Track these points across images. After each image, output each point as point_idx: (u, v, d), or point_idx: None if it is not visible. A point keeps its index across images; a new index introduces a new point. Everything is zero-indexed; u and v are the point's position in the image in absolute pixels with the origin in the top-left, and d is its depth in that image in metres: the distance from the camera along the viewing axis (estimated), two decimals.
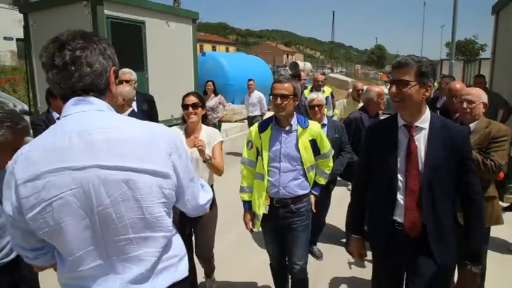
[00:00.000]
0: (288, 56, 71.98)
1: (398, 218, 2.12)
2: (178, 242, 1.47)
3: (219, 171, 3.08)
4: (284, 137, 2.79)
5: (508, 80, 6.97)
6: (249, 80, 9.22)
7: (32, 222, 1.25)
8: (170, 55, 9.44)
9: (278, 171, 2.80)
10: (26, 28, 9.06)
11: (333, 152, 3.07)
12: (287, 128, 2.80)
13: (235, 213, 5.15)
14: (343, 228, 5.04)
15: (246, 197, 3.02)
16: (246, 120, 9.23)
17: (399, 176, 2.10)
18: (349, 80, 32.32)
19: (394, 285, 2.30)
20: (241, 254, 4.39)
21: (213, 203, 2.98)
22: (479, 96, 2.95)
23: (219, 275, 3.71)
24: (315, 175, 3.01)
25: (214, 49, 49.71)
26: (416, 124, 2.08)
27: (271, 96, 2.78)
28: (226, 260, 4.11)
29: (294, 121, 2.81)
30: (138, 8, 8.49)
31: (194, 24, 10.52)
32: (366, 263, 4.19)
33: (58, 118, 3.78)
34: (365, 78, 47.02)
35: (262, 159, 2.84)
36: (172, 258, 1.42)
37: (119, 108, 3.60)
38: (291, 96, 2.72)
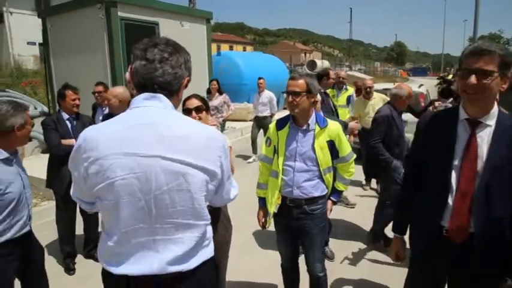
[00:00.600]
0: (305, 55, 71.61)
1: (445, 221, 1.92)
2: (209, 227, 1.61)
3: None
4: (300, 136, 2.72)
5: None
6: (259, 78, 8.88)
7: (94, 193, 1.44)
8: None
9: (292, 171, 2.73)
10: (45, 32, 9.24)
11: (354, 156, 2.90)
12: (304, 127, 2.71)
13: (244, 215, 5.17)
14: (353, 228, 4.97)
15: (261, 193, 3.00)
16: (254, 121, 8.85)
17: (453, 175, 1.88)
18: (367, 77, 31.87)
19: None
20: (249, 255, 4.35)
21: (229, 225, 2.86)
22: None
23: (228, 278, 3.67)
24: (334, 180, 2.91)
25: (231, 49, 49.81)
26: (481, 120, 1.84)
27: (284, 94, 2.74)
28: (234, 262, 4.07)
29: (311, 120, 2.71)
30: (151, 9, 8.56)
31: (208, 24, 10.54)
32: (377, 265, 4.09)
33: (68, 119, 3.87)
34: (384, 76, 46.32)
35: (277, 157, 2.80)
36: (206, 240, 1.58)
37: (115, 110, 3.64)
38: (304, 93, 2.61)
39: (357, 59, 76.57)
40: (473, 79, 1.72)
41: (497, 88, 1.76)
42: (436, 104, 2.72)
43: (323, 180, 2.77)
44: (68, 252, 4.05)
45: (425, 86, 10.21)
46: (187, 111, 2.68)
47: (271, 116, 8.63)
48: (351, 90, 7.11)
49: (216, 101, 7.99)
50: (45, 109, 9.82)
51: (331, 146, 2.74)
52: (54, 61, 9.28)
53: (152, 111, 1.45)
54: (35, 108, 9.83)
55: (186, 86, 1.59)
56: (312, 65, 31.96)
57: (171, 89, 1.50)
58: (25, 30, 20.65)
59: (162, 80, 1.47)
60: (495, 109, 1.84)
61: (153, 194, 1.40)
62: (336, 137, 2.75)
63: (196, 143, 1.46)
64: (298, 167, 2.72)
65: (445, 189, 1.90)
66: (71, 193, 1.63)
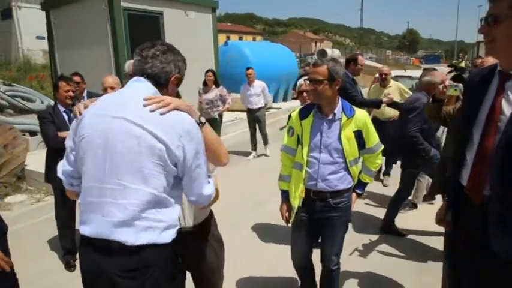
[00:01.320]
0: (316, 44, 70.81)
1: (464, 179, 1.85)
2: (171, 211, 1.64)
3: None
4: (326, 126, 2.56)
5: None
6: (247, 68, 8.08)
7: (76, 148, 1.66)
8: (190, 45, 9.27)
9: (317, 163, 2.59)
10: (49, 25, 9.17)
11: (381, 146, 2.75)
12: (330, 117, 2.55)
13: (243, 211, 5.05)
14: (365, 220, 4.79)
15: (284, 186, 2.85)
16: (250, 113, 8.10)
17: (475, 130, 1.79)
18: (378, 65, 31.34)
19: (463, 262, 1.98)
20: (249, 252, 4.20)
21: (220, 247, 2.53)
22: None
23: (229, 276, 3.56)
24: (360, 172, 2.78)
25: (241, 39, 49.31)
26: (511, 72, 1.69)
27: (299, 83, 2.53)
28: (233, 259, 3.95)
29: (338, 109, 2.55)
30: None
31: (214, 13, 10.36)
32: (387, 257, 3.93)
33: (64, 111, 3.76)
34: (396, 64, 45.53)
35: (302, 148, 2.64)
36: (159, 222, 1.59)
37: None
38: (326, 81, 2.44)
39: (368, 48, 75.43)
40: (482, 26, 1.64)
41: None
42: (447, 82, 2.51)
43: (349, 173, 2.64)
44: (68, 249, 3.96)
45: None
46: None
47: (265, 107, 8.15)
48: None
49: (211, 94, 7.30)
50: (52, 103, 9.78)
51: (359, 136, 2.60)
52: (59, 54, 9.20)
53: (135, 88, 1.67)
54: (42, 103, 9.79)
55: (176, 84, 1.77)
56: (322, 53, 31.54)
57: (158, 80, 1.70)
58: (34, 24, 20.57)
59: (150, 72, 1.69)
60: None
61: (109, 153, 1.54)
62: (363, 127, 2.60)
63: (161, 117, 1.57)
64: (324, 159, 2.58)
65: (464, 143, 1.84)
66: (59, 171, 1.80)
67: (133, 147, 1.53)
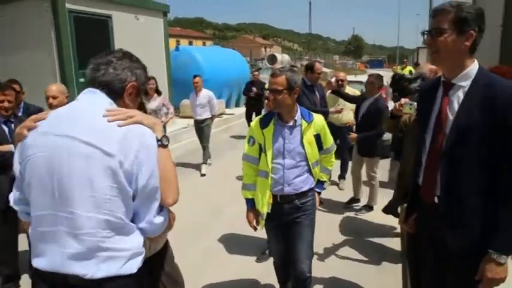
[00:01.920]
0: (266, 49, 71.64)
1: (420, 180, 1.99)
2: (135, 238, 1.49)
3: None
4: (288, 133, 2.68)
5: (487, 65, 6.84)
6: (194, 76, 7.48)
7: (22, 173, 1.48)
8: (140, 50, 8.94)
9: (282, 168, 2.69)
10: None
11: (335, 147, 2.97)
12: (291, 123, 2.67)
13: (206, 219, 4.95)
14: (323, 223, 4.85)
15: (248, 194, 2.88)
16: (211, 120, 7.57)
17: (427, 136, 1.93)
18: (327, 70, 32.26)
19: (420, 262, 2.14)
20: (215, 259, 4.13)
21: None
22: None
23: (195, 283, 3.50)
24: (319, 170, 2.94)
25: (191, 44, 48.78)
26: (453, 81, 1.83)
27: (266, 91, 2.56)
28: (202, 267, 3.87)
29: (298, 116, 2.68)
30: (103, 2, 8.08)
31: (165, 18, 10.17)
32: (348, 261, 3.99)
33: (4, 122, 3.42)
34: (343, 69, 47.12)
35: (265, 156, 2.71)
36: (121, 251, 1.44)
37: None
38: (285, 91, 2.55)
39: (316, 53, 77.51)
40: (427, 38, 1.83)
41: (456, 45, 1.75)
42: (403, 100, 2.63)
43: (312, 174, 2.78)
44: (8, 276, 3.54)
45: (385, 78, 10.32)
46: None
47: (212, 118, 7.57)
48: None
49: (154, 103, 6.58)
50: None
51: (317, 139, 2.76)
52: (1, 58, 8.54)
53: (86, 100, 1.52)
54: None
55: (135, 94, 1.61)
56: (272, 59, 31.98)
57: (112, 88, 1.55)
58: None
59: (102, 79, 1.54)
60: (471, 70, 1.80)
61: (56, 177, 1.38)
62: (321, 130, 2.77)
63: (116, 131, 1.42)
64: (288, 164, 2.69)
65: (420, 149, 1.98)
66: (11, 200, 1.61)
67: (82, 169, 1.37)
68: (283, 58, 33.91)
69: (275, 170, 2.70)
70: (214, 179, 6.96)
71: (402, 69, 17.47)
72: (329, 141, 2.85)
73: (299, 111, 2.70)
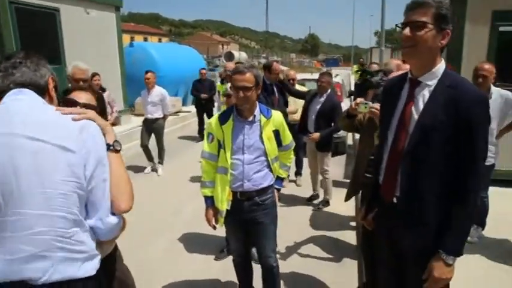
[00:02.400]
0: (223, 46, 71.24)
1: (381, 180, 1.96)
2: (90, 240, 1.41)
3: None
4: (247, 128, 2.68)
5: None
6: (146, 72, 7.03)
7: None
8: (92, 46, 8.63)
9: (242, 164, 2.68)
10: None
11: (294, 144, 2.99)
12: (250, 119, 2.67)
13: (161, 220, 4.82)
14: (281, 222, 4.87)
15: (208, 192, 2.84)
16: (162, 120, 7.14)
17: (389, 134, 1.88)
18: (284, 68, 32.61)
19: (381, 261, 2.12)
20: (178, 257, 4.04)
21: None
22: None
23: (154, 283, 3.44)
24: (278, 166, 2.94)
25: (146, 40, 47.47)
26: (420, 79, 1.78)
27: (229, 88, 2.59)
28: (161, 267, 3.77)
29: (257, 111, 2.70)
30: None
31: (118, 12, 9.77)
32: (305, 257, 4.01)
33: None
34: (300, 67, 47.84)
35: (225, 152, 2.69)
36: (79, 252, 1.36)
37: None
38: (253, 87, 2.57)
39: (274, 51, 78.11)
40: (407, 31, 1.71)
41: (434, 42, 1.70)
42: (358, 100, 2.67)
43: (271, 170, 2.79)
44: None
45: (340, 76, 10.56)
46: (73, 104, 2.04)
47: (164, 118, 7.19)
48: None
49: None
50: None
51: (276, 135, 2.77)
52: None
53: (18, 103, 1.40)
54: None
55: (53, 87, 1.56)
56: (229, 56, 31.92)
57: (38, 87, 1.48)
58: None
59: (23, 79, 1.45)
60: (438, 69, 1.77)
61: (1, 179, 1.28)
62: (280, 126, 2.78)
63: (57, 124, 1.38)
64: (247, 159, 2.68)
65: (382, 147, 1.94)
66: None
67: (29, 166, 1.29)
68: (240, 56, 33.94)
69: (234, 165, 2.68)
70: (171, 178, 6.80)
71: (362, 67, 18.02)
72: (288, 137, 2.88)
73: (258, 106, 2.71)
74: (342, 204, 5.25)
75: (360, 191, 3.29)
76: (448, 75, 1.76)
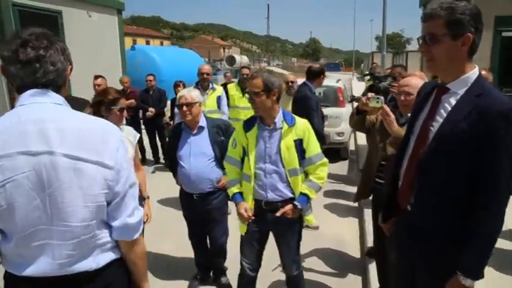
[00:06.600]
0: (224, 50, 71.41)
1: (400, 185, 1.89)
2: (107, 229, 1.54)
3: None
4: (268, 136, 2.61)
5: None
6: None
7: None
8: (94, 49, 8.63)
9: (264, 173, 2.61)
10: None
11: (323, 159, 2.69)
12: (271, 126, 2.60)
13: (167, 222, 4.75)
14: None
15: (234, 189, 2.77)
16: None
17: (411, 140, 1.82)
18: (285, 72, 32.63)
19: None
20: (177, 262, 3.96)
21: None
22: (418, 87, 2.66)
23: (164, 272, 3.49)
24: (302, 182, 2.68)
25: (148, 43, 47.68)
26: (448, 86, 1.69)
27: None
28: (161, 271, 3.71)
29: (278, 118, 2.60)
30: None
31: (120, 15, 9.79)
32: (310, 273, 3.95)
33: None
34: (301, 71, 47.87)
35: (248, 160, 2.64)
36: (109, 243, 1.51)
37: None
38: (262, 92, 2.50)
39: (275, 55, 78.28)
40: (422, 45, 1.68)
41: (452, 51, 1.61)
42: (370, 94, 2.61)
43: (289, 183, 2.62)
44: None
45: (342, 81, 10.52)
46: (122, 110, 2.72)
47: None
48: (220, 90, 5.80)
49: None
50: None
51: (299, 145, 2.61)
52: None
53: (41, 107, 1.38)
54: None
55: (68, 75, 1.52)
56: (231, 60, 31.98)
57: (56, 85, 1.44)
58: None
59: (45, 81, 1.39)
60: (468, 76, 1.66)
61: (47, 192, 1.34)
62: (303, 135, 2.60)
63: (89, 137, 1.40)
64: (269, 169, 2.61)
65: (403, 150, 1.88)
66: None
67: (71, 182, 1.35)
68: (242, 59, 33.97)
69: (257, 175, 2.63)
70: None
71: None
72: (312, 150, 2.63)
73: (281, 113, 2.62)
74: (345, 212, 5.24)
75: (371, 196, 3.18)
76: (479, 84, 1.65)
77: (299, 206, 2.61)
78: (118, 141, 1.47)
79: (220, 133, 3.23)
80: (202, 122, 3.22)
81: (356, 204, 5.47)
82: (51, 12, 7.64)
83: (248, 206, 2.65)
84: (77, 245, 1.42)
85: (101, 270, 1.49)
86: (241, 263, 2.85)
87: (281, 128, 2.58)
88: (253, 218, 2.65)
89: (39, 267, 1.40)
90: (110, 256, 1.53)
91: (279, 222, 2.65)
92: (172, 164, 3.38)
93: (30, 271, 1.40)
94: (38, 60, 1.36)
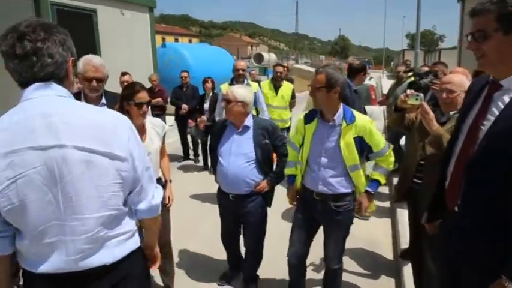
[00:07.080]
0: (252, 48, 71.53)
1: (447, 185, 1.82)
2: (130, 219, 1.56)
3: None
4: (327, 132, 2.66)
5: (474, 67, 6.89)
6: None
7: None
8: (126, 46, 8.81)
9: (317, 166, 2.70)
10: None
11: (389, 148, 2.73)
12: (331, 123, 2.64)
13: (194, 218, 4.78)
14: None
15: (289, 171, 3.02)
16: None
17: (460, 138, 1.74)
18: (313, 70, 32.30)
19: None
20: (216, 246, 3.97)
21: None
22: (461, 85, 2.55)
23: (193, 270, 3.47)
24: (365, 171, 2.88)
25: (177, 41, 48.29)
26: (501, 82, 1.59)
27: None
28: (200, 255, 3.75)
29: (338, 115, 2.62)
30: None
31: (151, 13, 9.94)
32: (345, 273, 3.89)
33: None
34: None
35: (302, 150, 2.79)
36: (125, 233, 1.51)
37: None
38: (323, 88, 2.53)
39: (303, 53, 77.77)
40: (471, 41, 1.59)
41: (505, 47, 1.51)
42: (409, 91, 2.53)
43: (349, 177, 2.70)
44: None
45: (373, 79, 10.33)
46: (139, 105, 2.63)
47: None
48: (255, 86, 5.30)
49: None
50: None
51: (360, 142, 2.63)
52: None
53: (46, 100, 1.36)
54: None
55: (74, 66, 1.49)
56: (258, 58, 31.93)
57: (58, 77, 1.40)
58: None
59: (43, 75, 1.35)
60: None
61: (59, 186, 1.33)
62: (364, 132, 2.62)
63: (98, 128, 1.39)
64: (324, 163, 2.68)
65: (451, 149, 1.80)
66: None
67: (83, 174, 1.35)
68: (270, 57, 33.88)
69: (311, 166, 2.74)
70: (200, 177, 6.77)
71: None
72: (377, 144, 2.66)
73: (341, 110, 2.62)
74: (377, 213, 5.11)
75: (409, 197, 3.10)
76: None
77: (371, 191, 2.74)
78: (127, 130, 1.47)
79: (266, 135, 3.07)
80: (249, 121, 3.07)
81: (388, 205, 5.36)
82: (87, 10, 7.84)
83: (294, 193, 2.97)
84: (90, 239, 1.41)
85: (117, 263, 1.49)
86: (289, 250, 2.97)
87: (340, 125, 2.60)
88: (294, 203, 2.97)
89: (53, 264, 1.39)
90: (126, 248, 1.53)
91: (327, 214, 2.74)
92: (212, 160, 3.42)
93: (45, 268, 1.40)
94: (35, 54, 1.31)
